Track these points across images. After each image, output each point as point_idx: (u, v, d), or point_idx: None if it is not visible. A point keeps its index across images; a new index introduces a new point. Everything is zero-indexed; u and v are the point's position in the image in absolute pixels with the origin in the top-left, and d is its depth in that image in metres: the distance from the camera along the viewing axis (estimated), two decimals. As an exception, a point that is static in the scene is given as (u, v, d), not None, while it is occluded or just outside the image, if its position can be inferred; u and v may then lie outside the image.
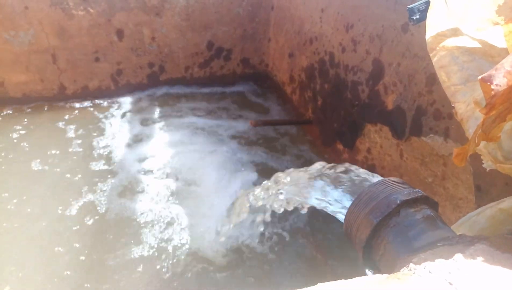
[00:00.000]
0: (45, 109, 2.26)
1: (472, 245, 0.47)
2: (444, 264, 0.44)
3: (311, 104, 2.08)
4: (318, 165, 0.94)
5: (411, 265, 0.46)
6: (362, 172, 0.83)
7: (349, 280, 0.47)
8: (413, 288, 0.41)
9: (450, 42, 0.69)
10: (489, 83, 0.48)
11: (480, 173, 0.98)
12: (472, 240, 0.49)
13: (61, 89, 2.34)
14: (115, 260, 1.36)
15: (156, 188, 1.67)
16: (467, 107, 0.65)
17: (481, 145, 0.62)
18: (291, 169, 1.06)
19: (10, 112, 2.19)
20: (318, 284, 0.47)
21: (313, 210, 0.97)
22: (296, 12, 2.19)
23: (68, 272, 1.30)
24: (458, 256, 0.45)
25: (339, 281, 0.47)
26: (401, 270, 0.46)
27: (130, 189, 1.66)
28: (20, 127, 2.07)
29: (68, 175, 1.73)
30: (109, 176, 1.74)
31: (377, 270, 0.63)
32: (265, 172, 1.79)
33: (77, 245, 1.40)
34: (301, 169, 1.00)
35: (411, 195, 0.61)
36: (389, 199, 0.61)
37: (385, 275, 0.46)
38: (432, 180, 1.19)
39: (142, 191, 1.66)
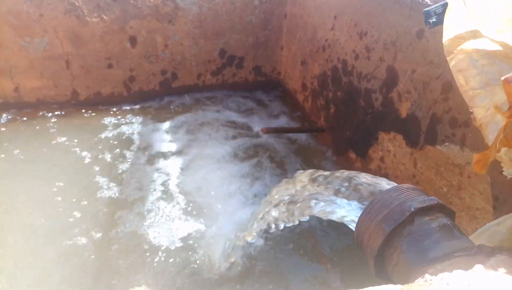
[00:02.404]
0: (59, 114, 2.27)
1: (492, 256, 0.44)
2: (464, 276, 0.41)
3: (323, 112, 2.06)
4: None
5: (427, 275, 0.43)
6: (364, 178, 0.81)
7: (360, 290, 0.44)
8: (429, 301, 0.39)
9: (469, 45, 0.67)
10: None
11: (498, 182, 0.94)
12: (492, 251, 0.46)
13: (74, 94, 2.35)
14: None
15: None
16: (486, 112, 0.63)
17: (503, 152, 0.59)
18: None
19: (25, 118, 2.21)
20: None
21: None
22: (309, 20, 2.17)
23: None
24: (478, 267, 0.42)
25: (350, 291, 0.44)
26: (416, 281, 0.44)
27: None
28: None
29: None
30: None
31: (389, 281, 0.60)
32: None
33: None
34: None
35: (426, 202, 0.58)
36: (403, 207, 0.58)
37: (399, 285, 0.44)
38: (447, 190, 1.15)
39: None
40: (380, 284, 0.46)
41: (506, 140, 0.49)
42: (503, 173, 0.60)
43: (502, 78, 0.45)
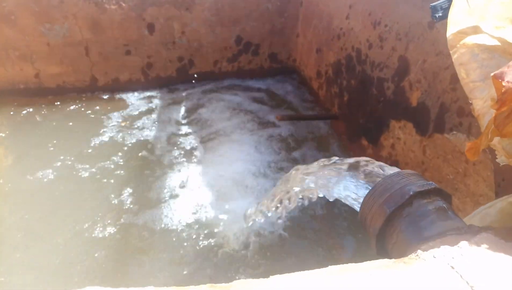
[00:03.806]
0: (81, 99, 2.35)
1: (478, 234, 0.49)
2: (449, 250, 0.46)
3: (337, 100, 2.10)
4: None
5: (419, 251, 0.49)
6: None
7: (358, 263, 0.50)
8: (416, 271, 0.44)
9: (470, 40, 0.71)
10: (500, 80, 0.50)
11: (501, 170, 0.98)
12: (479, 230, 0.51)
13: (92, 80, 2.42)
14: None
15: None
16: (484, 103, 0.67)
17: (496, 140, 0.64)
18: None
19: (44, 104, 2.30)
20: (330, 266, 0.49)
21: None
22: (325, 8, 2.20)
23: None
24: (463, 243, 0.47)
25: (349, 264, 0.49)
26: (408, 256, 0.49)
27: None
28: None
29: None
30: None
31: (388, 258, 0.65)
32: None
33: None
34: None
35: (424, 186, 0.63)
36: (403, 190, 0.63)
37: (393, 259, 0.49)
38: (453, 177, 1.19)
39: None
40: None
41: (498, 130, 0.54)
42: (496, 160, 0.64)
43: (492, 74, 0.50)
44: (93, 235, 1.44)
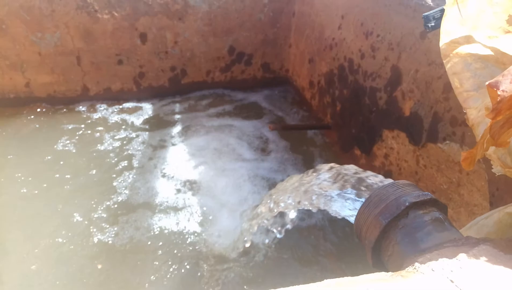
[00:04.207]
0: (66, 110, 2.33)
1: (476, 246, 0.48)
2: (447, 263, 0.45)
3: (330, 110, 2.10)
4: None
5: (416, 264, 0.48)
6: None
7: (354, 277, 0.48)
8: (415, 285, 0.43)
9: (463, 49, 0.71)
10: (495, 89, 0.49)
11: (495, 180, 0.98)
12: (477, 241, 0.51)
13: (84, 90, 2.40)
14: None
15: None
16: (478, 113, 0.66)
17: (491, 150, 0.63)
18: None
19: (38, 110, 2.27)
20: (325, 280, 0.48)
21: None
22: (317, 18, 2.21)
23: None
24: (462, 256, 0.46)
25: (345, 278, 0.48)
26: (405, 269, 0.48)
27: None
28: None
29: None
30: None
31: (385, 270, 0.64)
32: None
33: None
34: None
35: (420, 197, 0.62)
36: (399, 201, 0.63)
37: (390, 273, 0.48)
38: (447, 187, 1.19)
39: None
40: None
41: (493, 139, 0.53)
42: (492, 170, 0.64)
43: (487, 83, 0.49)
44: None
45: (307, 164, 1.96)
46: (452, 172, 1.17)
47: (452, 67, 0.71)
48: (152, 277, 1.32)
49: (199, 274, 1.34)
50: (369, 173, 0.94)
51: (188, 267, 1.36)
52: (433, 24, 0.84)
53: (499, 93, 0.48)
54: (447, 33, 0.72)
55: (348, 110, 1.88)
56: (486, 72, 0.67)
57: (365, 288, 0.43)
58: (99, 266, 1.35)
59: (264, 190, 1.73)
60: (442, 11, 0.77)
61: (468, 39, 0.68)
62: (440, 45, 0.73)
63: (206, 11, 2.39)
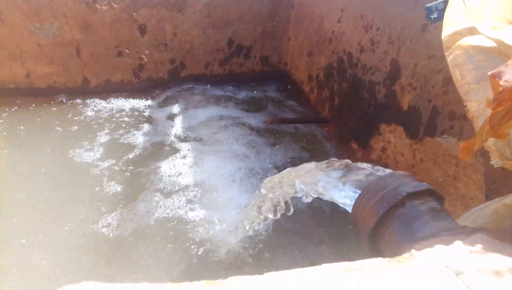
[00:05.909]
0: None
1: (472, 235, 0.49)
2: (443, 250, 0.46)
3: (328, 103, 2.10)
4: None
5: (413, 250, 0.48)
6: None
7: (352, 262, 0.49)
8: (411, 270, 0.43)
9: (466, 41, 0.71)
10: (498, 79, 0.49)
11: (491, 173, 0.99)
12: (473, 230, 0.51)
13: (84, 81, 2.39)
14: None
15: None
16: (479, 105, 0.67)
17: (490, 142, 0.64)
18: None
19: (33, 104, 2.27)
20: (323, 264, 0.49)
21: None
22: (316, 10, 2.20)
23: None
24: (458, 243, 0.47)
25: (342, 262, 0.49)
26: (402, 255, 0.48)
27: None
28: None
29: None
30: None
31: (382, 257, 0.65)
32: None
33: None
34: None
35: (417, 187, 0.63)
36: (396, 191, 0.63)
37: (387, 258, 0.48)
38: (443, 180, 1.20)
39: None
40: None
41: (493, 130, 0.54)
42: (490, 162, 0.64)
43: (489, 73, 0.50)
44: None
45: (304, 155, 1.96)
46: (448, 166, 1.18)
47: (454, 59, 0.71)
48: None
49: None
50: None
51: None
52: (435, 15, 0.84)
53: (501, 83, 0.48)
54: (450, 24, 0.72)
55: (347, 103, 1.88)
56: (489, 64, 0.67)
57: (363, 272, 0.44)
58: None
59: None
60: (446, 2, 0.77)
61: (472, 31, 0.68)
62: (442, 36, 0.73)
63: (206, 2, 2.38)
